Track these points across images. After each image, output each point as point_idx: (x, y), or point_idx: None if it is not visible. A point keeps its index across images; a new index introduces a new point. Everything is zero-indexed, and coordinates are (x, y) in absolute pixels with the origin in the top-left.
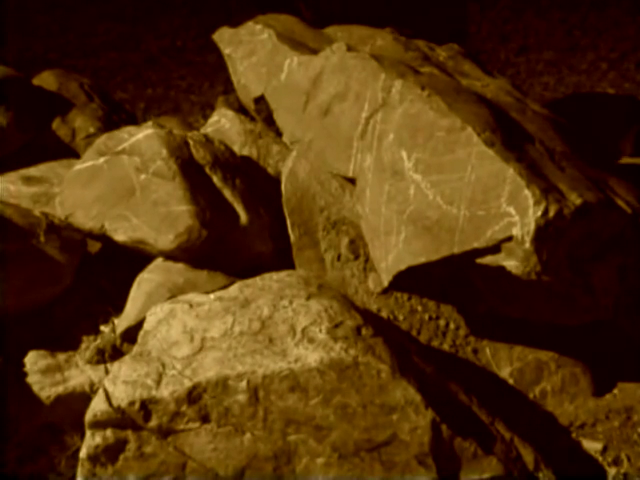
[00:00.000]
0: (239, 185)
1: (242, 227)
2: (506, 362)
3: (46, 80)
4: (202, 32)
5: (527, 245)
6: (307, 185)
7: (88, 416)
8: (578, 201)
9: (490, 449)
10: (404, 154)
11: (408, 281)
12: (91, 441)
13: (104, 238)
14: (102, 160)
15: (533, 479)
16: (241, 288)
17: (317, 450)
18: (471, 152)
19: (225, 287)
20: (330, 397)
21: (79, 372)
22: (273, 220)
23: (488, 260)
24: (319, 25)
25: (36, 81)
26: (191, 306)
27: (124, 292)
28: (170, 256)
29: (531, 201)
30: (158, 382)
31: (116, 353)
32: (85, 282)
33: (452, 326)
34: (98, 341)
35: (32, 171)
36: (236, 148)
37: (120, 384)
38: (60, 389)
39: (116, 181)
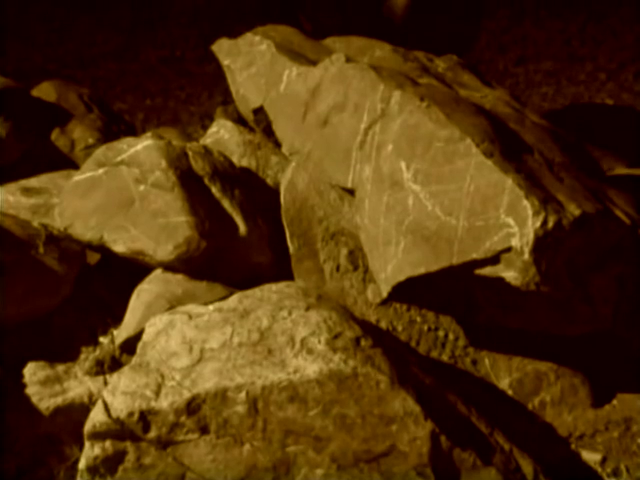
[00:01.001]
0: (238, 196)
1: (241, 238)
2: (505, 373)
3: (45, 91)
4: (201, 43)
5: (526, 256)
6: (306, 196)
7: (87, 427)
8: (577, 212)
9: (489, 460)
10: (403, 165)
11: (407, 292)
12: (90, 452)
13: (103, 249)
14: (101, 171)
15: None
16: (240, 299)
17: (316, 461)
18: (470, 162)
19: (224, 298)
20: (329, 408)
21: (78, 383)
22: (272, 231)
23: (487, 271)
24: (318, 36)
25: (35, 92)
26: (190, 317)
27: (123, 303)
28: (169, 267)
29: (530, 212)
30: (157, 393)
31: (115, 364)
32: (84, 293)
33: (451, 337)
34: (97, 352)
35: (31, 182)
36: (235, 159)
37: (119, 395)
38: (59, 400)
39: (115, 192)
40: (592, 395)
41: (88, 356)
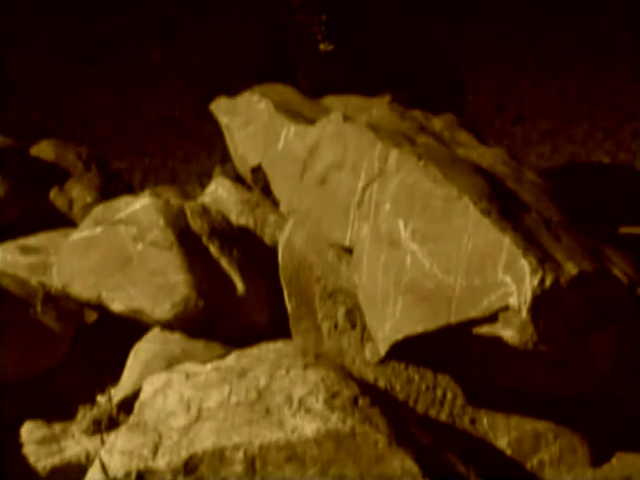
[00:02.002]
0: (236, 255)
1: (239, 297)
2: (503, 432)
3: (44, 150)
4: (199, 102)
5: (524, 314)
6: (304, 254)
7: None
8: (574, 270)
9: None
10: (401, 223)
11: (405, 350)
12: None
13: (101, 307)
14: (99, 230)
15: None
16: (238, 358)
17: None
18: (467, 221)
19: (222, 357)
20: (327, 467)
21: (75, 442)
22: (270, 289)
23: (485, 330)
24: (316, 95)
25: (34, 150)
26: (188, 376)
27: (121, 362)
28: (167, 325)
29: (527, 270)
30: (154, 452)
31: (112, 423)
32: (82, 352)
33: (449, 396)
34: (94, 411)
35: (29, 240)
36: (233, 217)
37: (116, 454)
38: (56, 460)
39: (113, 251)
40: (591, 454)
41: (85, 415)
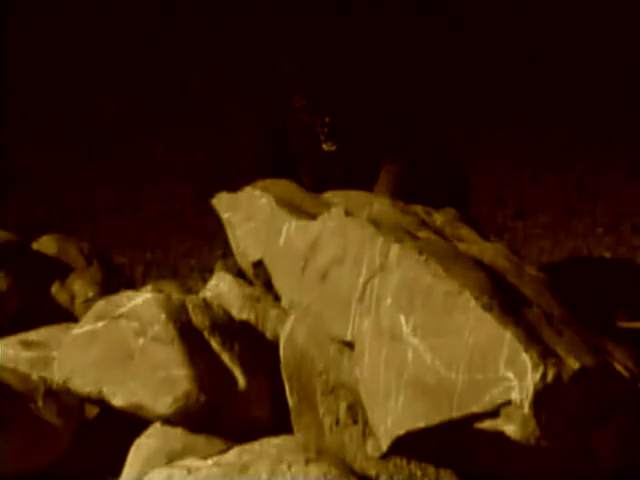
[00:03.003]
0: (237, 350)
1: (240, 392)
2: None
3: (45, 244)
4: (201, 196)
5: (526, 409)
6: (305, 349)
7: None
8: (576, 365)
9: None
10: (402, 318)
11: (407, 445)
12: None
13: (102, 402)
14: (100, 324)
15: None
16: (239, 453)
17: None
18: (469, 316)
19: (223, 452)
20: None
21: None
22: (271, 384)
23: (487, 425)
24: (317, 190)
25: (35, 245)
26: (189, 471)
27: (122, 457)
28: (168, 420)
29: (529, 365)
30: None
31: None
32: (82, 446)
33: None
34: None
35: (30, 335)
36: (234, 312)
37: None
38: None
39: (114, 345)
40: None
41: None
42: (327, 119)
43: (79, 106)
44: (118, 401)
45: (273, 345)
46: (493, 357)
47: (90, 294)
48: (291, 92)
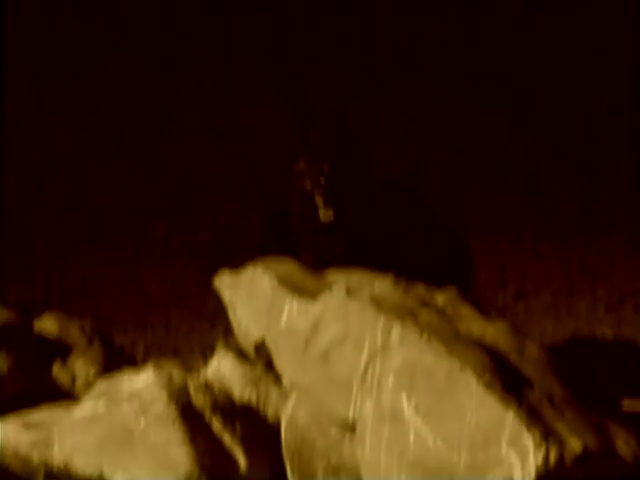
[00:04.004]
0: (239, 430)
1: (242, 473)
2: None
3: (47, 324)
4: (203, 275)
5: None
6: (307, 430)
7: None
8: (578, 446)
9: None
10: (404, 398)
11: None
12: None
13: None
14: (101, 405)
15: None
16: None
17: None
18: (471, 396)
19: None
20: None
21: None
22: (273, 465)
23: None
24: (318, 269)
25: (37, 325)
26: None
27: None
28: None
29: (531, 445)
30: None
31: None
32: None
33: None
34: None
35: (31, 416)
36: (236, 392)
37: None
38: None
39: (115, 426)
40: None
41: None
42: (323, 180)
43: (79, 188)
44: None
45: (274, 425)
46: (495, 437)
47: (91, 374)
48: (292, 158)
